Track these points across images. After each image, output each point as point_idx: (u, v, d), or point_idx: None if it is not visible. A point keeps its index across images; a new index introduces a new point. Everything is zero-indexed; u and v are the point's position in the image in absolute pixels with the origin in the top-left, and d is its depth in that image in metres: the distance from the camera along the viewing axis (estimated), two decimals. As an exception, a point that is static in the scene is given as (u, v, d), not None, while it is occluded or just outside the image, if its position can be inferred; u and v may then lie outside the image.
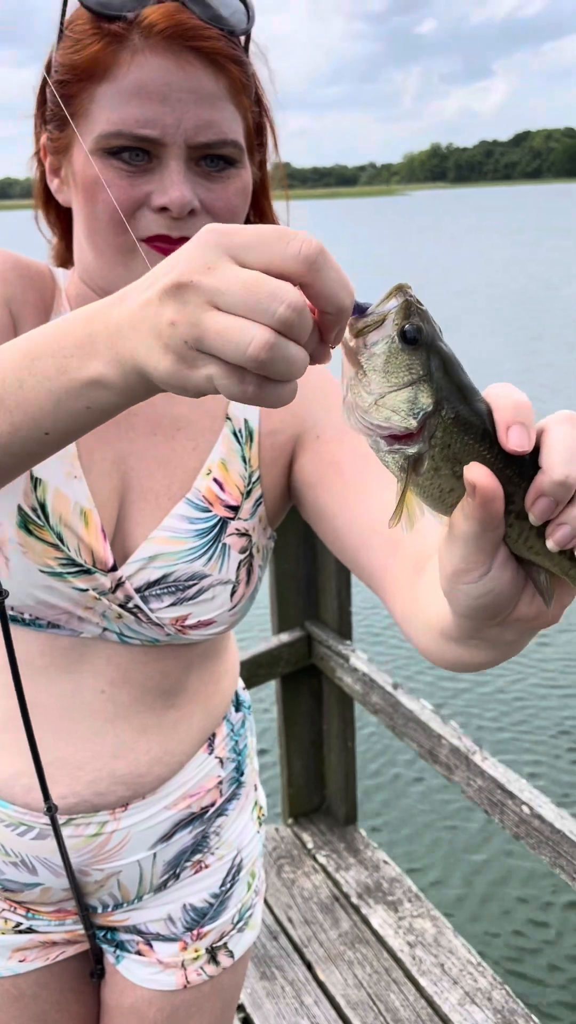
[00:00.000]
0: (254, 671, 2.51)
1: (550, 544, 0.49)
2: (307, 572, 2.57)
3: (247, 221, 0.96)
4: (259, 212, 0.97)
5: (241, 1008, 2.11)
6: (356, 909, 2.36)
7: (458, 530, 0.50)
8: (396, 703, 2.19)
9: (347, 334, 0.52)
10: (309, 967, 2.20)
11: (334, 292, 0.50)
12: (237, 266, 0.49)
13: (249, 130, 0.86)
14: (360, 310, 0.52)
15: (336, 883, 2.46)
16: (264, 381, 0.49)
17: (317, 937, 2.28)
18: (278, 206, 1.00)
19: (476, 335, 15.32)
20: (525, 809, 1.77)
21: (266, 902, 2.41)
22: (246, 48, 0.85)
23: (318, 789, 2.75)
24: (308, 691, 2.66)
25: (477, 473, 0.48)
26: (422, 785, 3.83)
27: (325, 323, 0.51)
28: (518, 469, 0.50)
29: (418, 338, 0.50)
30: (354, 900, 2.39)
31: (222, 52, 0.79)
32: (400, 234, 50.84)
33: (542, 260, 28.71)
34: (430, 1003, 2.07)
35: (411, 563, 0.77)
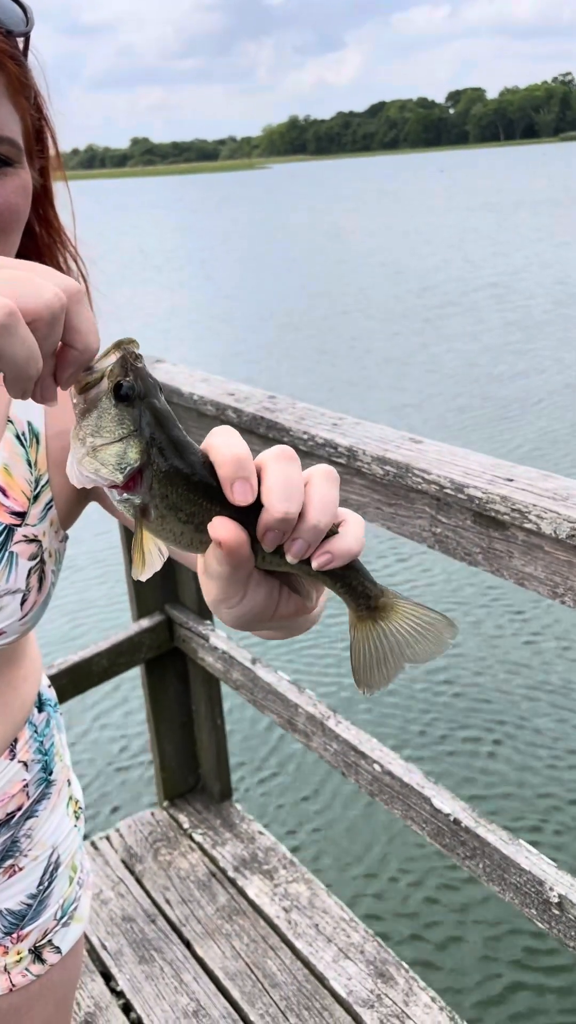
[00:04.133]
0: (115, 659, 2.49)
1: (289, 559, 0.54)
2: (162, 555, 2.57)
3: (31, 232, 0.94)
4: (45, 222, 0.94)
5: (121, 995, 2.11)
6: (233, 882, 2.40)
7: (212, 570, 0.54)
8: (255, 677, 2.22)
9: (73, 390, 0.54)
10: (188, 945, 2.23)
11: (87, 330, 0.53)
12: None
13: (28, 132, 0.83)
14: (89, 369, 0.54)
15: (213, 859, 2.49)
16: None
17: (195, 915, 2.31)
18: (59, 187, 0.97)
19: (351, 305, 15.61)
20: (376, 767, 1.84)
21: (143, 886, 2.41)
22: (25, 54, 0.83)
23: (192, 769, 2.77)
24: (174, 674, 2.66)
25: (220, 530, 0.51)
26: (292, 754, 3.92)
27: (65, 357, 0.53)
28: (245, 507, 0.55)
29: (130, 395, 0.52)
30: (231, 874, 2.42)
31: None
32: (263, 207, 50.83)
33: (402, 226, 29.47)
34: (306, 964, 2.13)
35: None
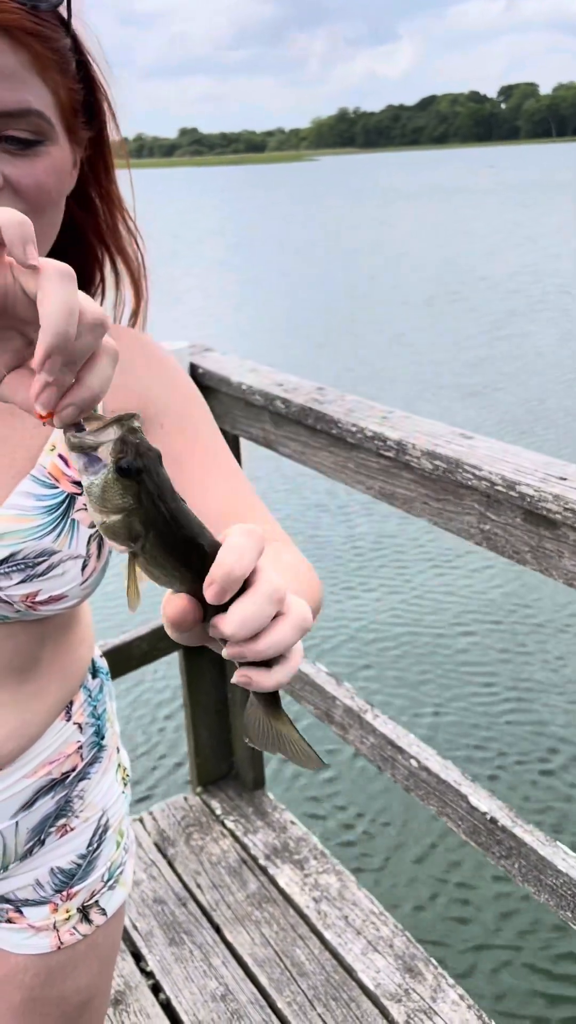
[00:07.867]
0: (155, 644, 2.51)
1: (226, 655, 0.60)
2: (204, 543, 2.58)
3: (92, 207, 0.95)
4: (106, 197, 0.95)
5: (151, 975, 2.14)
6: (264, 870, 2.41)
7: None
8: (293, 668, 2.23)
9: (68, 445, 0.58)
10: (217, 930, 2.25)
11: (105, 375, 0.57)
12: None
13: (63, 106, 0.82)
14: (79, 428, 0.57)
15: (244, 846, 2.50)
16: None
17: (225, 900, 2.33)
18: (120, 174, 0.98)
19: (397, 301, 15.55)
20: (413, 763, 1.84)
21: (175, 870, 2.44)
22: (67, 27, 0.82)
23: (225, 756, 2.79)
24: (210, 661, 2.68)
25: (171, 607, 0.58)
26: (328, 746, 3.93)
27: (76, 392, 0.56)
28: None
29: (130, 471, 0.56)
30: (262, 861, 2.44)
31: (17, 25, 0.75)
32: (310, 200, 50.75)
33: (449, 224, 29.24)
34: (334, 954, 2.14)
35: None
